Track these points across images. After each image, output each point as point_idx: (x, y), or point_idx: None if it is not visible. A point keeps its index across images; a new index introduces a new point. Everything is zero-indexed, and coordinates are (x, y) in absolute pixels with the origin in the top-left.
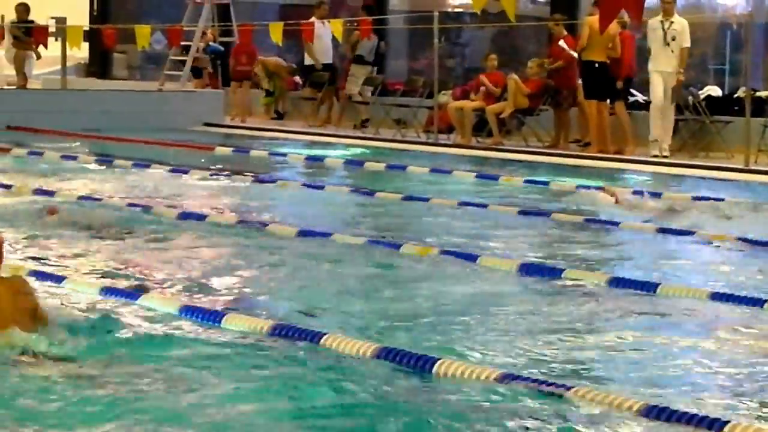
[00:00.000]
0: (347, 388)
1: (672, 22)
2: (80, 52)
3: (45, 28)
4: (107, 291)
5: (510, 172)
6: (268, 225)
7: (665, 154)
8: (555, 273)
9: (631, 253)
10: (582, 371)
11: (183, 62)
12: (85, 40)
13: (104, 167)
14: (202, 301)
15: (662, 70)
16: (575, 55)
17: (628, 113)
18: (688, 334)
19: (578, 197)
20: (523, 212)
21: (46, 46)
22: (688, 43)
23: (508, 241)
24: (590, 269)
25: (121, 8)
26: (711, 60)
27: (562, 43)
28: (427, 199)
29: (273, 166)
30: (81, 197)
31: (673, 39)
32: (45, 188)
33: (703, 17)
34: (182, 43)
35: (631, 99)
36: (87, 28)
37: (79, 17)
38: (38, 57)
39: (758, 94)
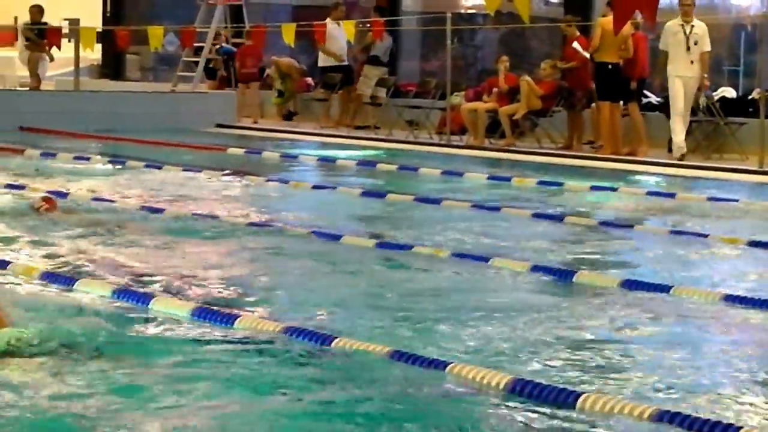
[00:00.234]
0: (359, 391)
1: (693, 26)
2: (93, 53)
3: (58, 29)
4: (119, 293)
5: (523, 173)
6: (279, 226)
7: (682, 153)
8: (567, 275)
9: (644, 255)
10: (593, 375)
11: (196, 63)
12: (98, 42)
13: (117, 168)
14: (214, 303)
15: (683, 75)
16: (588, 56)
17: (641, 114)
18: (701, 336)
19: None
20: (536, 214)
21: (59, 48)
22: (708, 47)
23: (521, 244)
24: (603, 271)
25: (134, 9)
26: (725, 61)
27: (576, 44)
28: (439, 201)
29: (285, 167)
30: (94, 198)
31: (695, 43)
32: (58, 189)
33: (717, 18)
34: (195, 44)
35: (645, 100)
36: (100, 30)
37: (93, 19)
38: (51, 59)
39: None
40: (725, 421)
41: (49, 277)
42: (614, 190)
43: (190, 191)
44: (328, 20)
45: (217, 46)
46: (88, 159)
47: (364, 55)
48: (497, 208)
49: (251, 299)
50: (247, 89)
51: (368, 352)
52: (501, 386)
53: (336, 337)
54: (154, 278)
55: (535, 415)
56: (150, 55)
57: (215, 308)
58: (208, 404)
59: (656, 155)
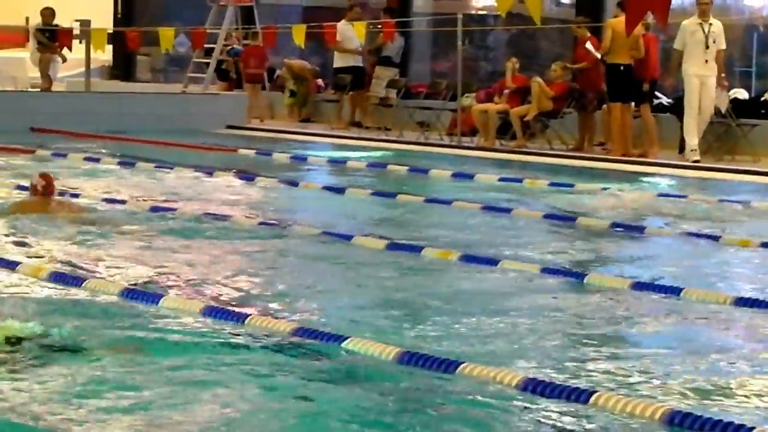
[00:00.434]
0: (369, 391)
1: (711, 24)
2: (104, 54)
3: (69, 30)
4: (129, 293)
5: (534, 175)
6: (290, 227)
7: (696, 157)
8: (578, 276)
9: (655, 257)
10: (605, 376)
11: (206, 65)
12: (109, 43)
13: (127, 169)
14: (224, 303)
15: (701, 74)
16: (599, 57)
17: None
18: (712, 338)
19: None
20: (548, 216)
21: (70, 49)
22: (724, 46)
23: (532, 245)
24: (614, 273)
25: (145, 11)
26: (737, 62)
27: (588, 45)
28: (449, 202)
29: (295, 168)
30: (104, 199)
31: (714, 42)
32: (68, 189)
33: (730, 19)
34: (206, 45)
35: (655, 101)
36: (111, 31)
37: (104, 20)
38: (63, 60)
39: None
40: (737, 422)
41: (57, 277)
42: (625, 191)
43: (200, 192)
44: (343, 21)
45: (229, 48)
46: (98, 160)
47: (375, 57)
48: (508, 210)
49: (261, 299)
50: (251, 90)
51: (378, 353)
52: (513, 385)
53: (346, 338)
54: (164, 278)
55: (547, 414)
56: (161, 56)
57: (225, 308)
58: (217, 403)
59: (667, 157)
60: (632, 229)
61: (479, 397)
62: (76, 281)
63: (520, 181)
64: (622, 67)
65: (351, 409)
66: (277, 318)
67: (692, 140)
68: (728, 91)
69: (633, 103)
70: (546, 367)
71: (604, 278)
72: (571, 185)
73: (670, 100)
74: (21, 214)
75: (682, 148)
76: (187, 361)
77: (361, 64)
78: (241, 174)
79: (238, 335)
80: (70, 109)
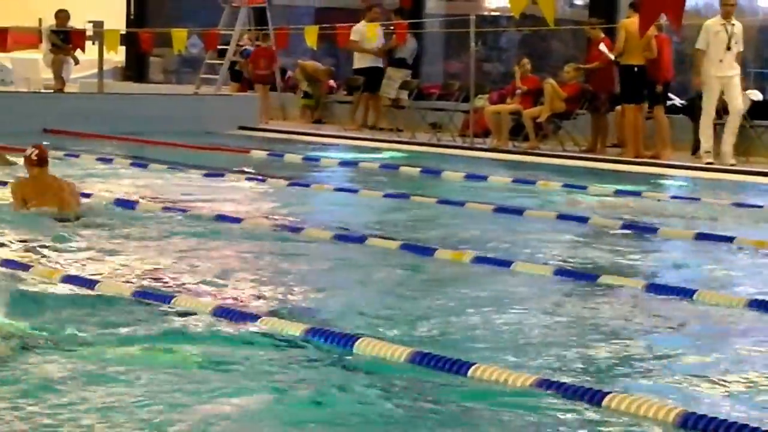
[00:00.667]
0: (380, 392)
1: (733, 25)
2: (117, 55)
3: (82, 32)
4: (140, 294)
5: (546, 176)
6: (302, 228)
7: (709, 160)
8: (591, 279)
9: (669, 259)
10: (618, 378)
11: (219, 66)
12: (121, 44)
13: (140, 170)
14: (236, 303)
15: (722, 75)
16: (613, 58)
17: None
18: (725, 340)
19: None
20: (561, 217)
21: (83, 50)
22: (742, 47)
23: (544, 247)
24: (627, 275)
25: (158, 12)
26: (751, 63)
27: (602, 46)
28: (462, 204)
29: (308, 169)
30: (116, 200)
31: (736, 43)
32: (81, 191)
33: (744, 20)
34: (218, 46)
35: (668, 103)
36: (124, 32)
37: (116, 21)
38: (76, 62)
39: None
40: (752, 425)
41: (70, 279)
42: (638, 193)
43: (212, 193)
44: (362, 22)
45: (242, 49)
46: (111, 161)
47: (387, 58)
48: (520, 211)
49: (273, 300)
50: (261, 91)
51: (390, 354)
52: (526, 386)
53: (358, 338)
54: (175, 279)
55: (560, 415)
56: (173, 57)
57: (237, 308)
58: (228, 403)
59: (680, 158)
60: (645, 231)
61: (491, 399)
62: (89, 283)
63: (533, 182)
64: (635, 68)
65: (363, 409)
66: (288, 319)
67: (707, 142)
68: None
69: (646, 105)
70: (558, 369)
71: (616, 279)
72: (584, 187)
73: (683, 102)
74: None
75: (695, 150)
76: (198, 361)
77: (381, 65)
78: (253, 176)
79: (250, 336)
80: (83, 110)
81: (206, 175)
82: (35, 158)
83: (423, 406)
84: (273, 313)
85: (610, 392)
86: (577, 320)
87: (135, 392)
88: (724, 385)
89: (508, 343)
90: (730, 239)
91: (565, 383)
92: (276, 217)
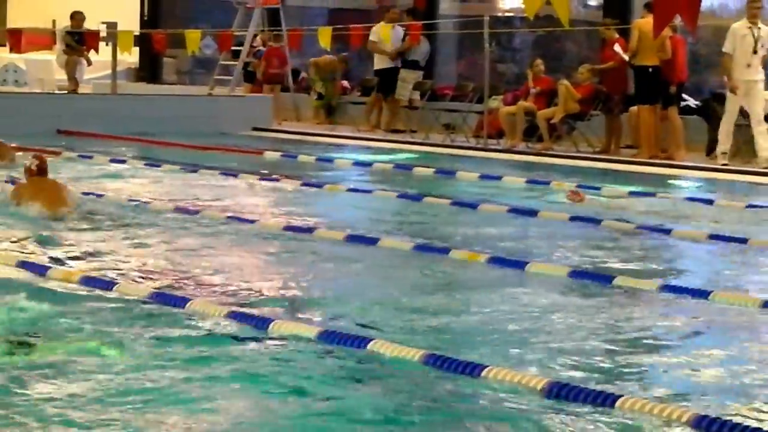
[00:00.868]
0: (394, 393)
1: (759, 28)
2: (131, 56)
3: (96, 33)
4: (155, 296)
5: (560, 177)
6: (315, 229)
7: (725, 161)
8: (605, 280)
9: (683, 259)
10: (632, 380)
11: (233, 67)
12: (135, 45)
13: (153, 171)
14: (249, 305)
15: (747, 79)
16: (627, 58)
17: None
18: (741, 342)
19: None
20: (574, 218)
21: (97, 51)
22: (766, 51)
23: (558, 248)
24: (642, 276)
25: (172, 13)
26: None
27: (617, 47)
28: (476, 205)
29: (321, 170)
30: (129, 200)
31: (762, 46)
32: (94, 191)
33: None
34: (232, 47)
35: (683, 104)
36: (137, 33)
37: (130, 22)
38: (89, 63)
39: None
40: (765, 428)
41: (87, 281)
42: (652, 194)
43: (225, 194)
44: (381, 23)
45: (255, 50)
46: (124, 161)
47: (400, 60)
48: (534, 212)
49: (286, 302)
50: (271, 92)
51: (404, 355)
52: (539, 389)
53: (371, 340)
54: (189, 281)
55: (573, 418)
56: (187, 58)
57: (250, 310)
58: (242, 404)
59: (694, 159)
60: (659, 232)
61: (505, 401)
62: (106, 285)
63: (547, 183)
64: (649, 69)
65: (376, 410)
66: (301, 321)
67: (724, 144)
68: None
69: (660, 106)
70: (572, 370)
71: (631, 280)
72: (598, 188)
73: (697, 103)
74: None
75: (709, 151)
76: (212, 362)
77: (399, 66)
78: (267, 176)
79: (263, 338)
80: (97, 111)
81: (220, 176)
82: (35, 169)
83: (436, 408)
84: (286, 315)
85: (624, 395)
86: (592, 322)
87: (143, 392)
88: (740, 387)
89: (522, 344)
90: (744, 240)
91: (578, 386)
92: (289, 217)
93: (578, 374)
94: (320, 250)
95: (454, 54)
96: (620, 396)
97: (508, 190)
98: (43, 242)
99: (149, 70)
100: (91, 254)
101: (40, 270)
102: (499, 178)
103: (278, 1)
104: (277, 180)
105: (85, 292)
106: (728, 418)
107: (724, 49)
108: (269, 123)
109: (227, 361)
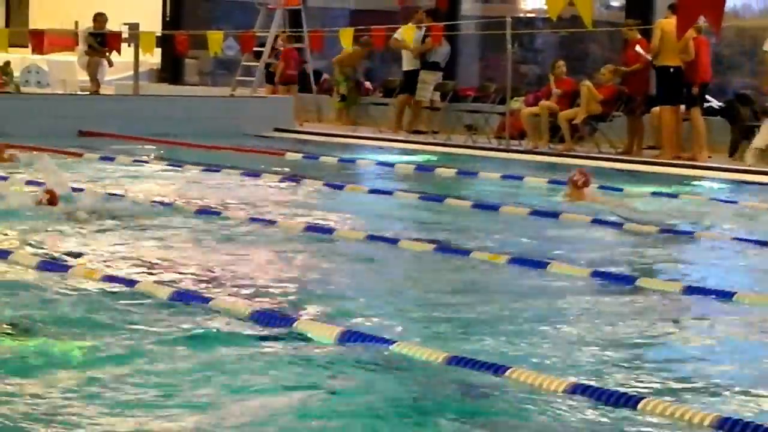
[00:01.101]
0: (417, 395)
1: None
2: (153, 57)
3: (118, 34)
4: (177, 295)
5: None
6: (336, 230)
7: (753, 160)
8: (628, 280)
9: (706, 261)
10: (654, 382)
11: (255, 68)
12: (157, 46)
13: (175, 172)
14: (270, 305)
15: None
16: (650, 59)
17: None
18: (765, 344)
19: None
20: (596, 220)
21: (119, 52)
22: None
23: (580, 249)
24: (664, 277)
25: (194, 14)
26: None
27: (638, 48)
28: (497, 207)
29: (342, 171)
30: (152, 202)
31: None
32: (116, 191)
33: None
34: (254, 48)
35: (705, 105)
36: (159, 34)
37: (152, 23)
38: (110, 65)
39: None
40: None
41: (109, 279)
42: (675, 195)
43: (247, 195)
44: (409, 24)
45: (277, 51)
46: (146, 162)
47: (421, 61)
48: (556, 214)
49: (308, 302)
50: (286, 92)
51: (426, 357)
52: (561, 390)
53: (394, 341)
54: (212, 280)
55: (596, 419)
56: (209, 59)
57: (272, 310)
58: (262, 402)
59: (717, 161)
60: (682, 233)
61: (527, 402)
62: (128, 283)
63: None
64: (671, 69)
65: (399, 411)
66: (323, 321)
67: (758, 141)
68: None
69: (683, 106)
70: (594, 372)
71: (654, 282)
72: (620, 189)
73: (720, 104)
74: None
75: (732, 152)
76: (233, 364)
77: (420, 67)
78: (288, 177)
79: (284, 338)
80: (119, 112)
81: (241, 177)
82: (45, 203)
83: (459, 409)
84: (307, 316)
85: (646, 396)
86: (614, 323)
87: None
88: (765, 388)
89: (544, 345)
90: (766, 243)
91: (600, 387)
92: (310, 218)
93: (600, 375)
94: (342, 251)
95: (477, 55)
96: (643, 397)
97: (530, 191)
98: (65, 241)
99: (171, 71)
100: (113, 254)
101: (62, 269)
102: (520, 178)
103: (300, 2)
104: (298, 181)
105: (106, 291)
106: (752, 420)
107: (764, 48)
108: (291, 124)
109: (250, 360)
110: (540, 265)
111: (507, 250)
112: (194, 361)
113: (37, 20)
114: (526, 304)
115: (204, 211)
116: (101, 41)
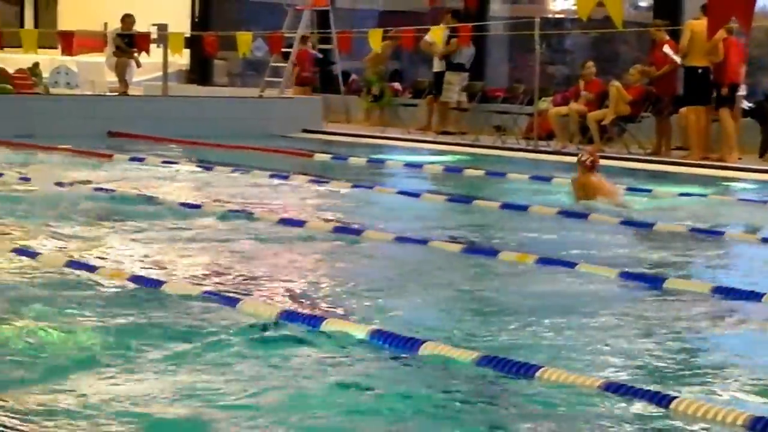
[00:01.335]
0: (446, 394)
1: None
2: (181, 58)
3: (147, 35)
4: (207, 295)
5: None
6: (364, 231)
7: None
8: (657, 281)
9: (735, 262)
10: (685, 381)
11: (283, 69)
12: (186, 47)
13: (204, 173)
14: (300, 306)
15: None
16: (679, 60)
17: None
18: None
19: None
20: (625, 222)
21: (148, 53)
22: None
23: (609, 250)
24: (693, 278)
25: (222, 15)
26: None
27: (666, 48)
28: (525, 207)
29: (371, 172)
30: (181, 203)
31: None
32: (146, 193)
33: None
34: (283, 49)
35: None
36: (188, 35)
37: (181, 24)
38: (138, 65)
39: None
40: None
41: (137, 279)
42: (704, 196)
43: (276, 196)
44: (440, 26)
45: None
46: (175, 163)
47: (446, 63)
48: (585, 215)
49: (337, 302)
50: (302, 93)
51: (456, 356)
52: (593, 389)
53: (424, 341)
54: (239, 281)
55: (627, 419)
56: (238, 60)
57: (301, 310)
58: (294, 401)
59: (747, 161)
60: (711, 234)
61: (558, 401)
62: (156, 284)
63: None
64: (699, 70)
65: (429, 411)
66: (352, 320)
67: None
68: None
69: (711, 107)
70: (625, 372)
71: (683, 283)
72: (649, 190)
73: (750, 104)
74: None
75: (762, 153)
76: (264, 361)
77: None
78: (317, 178)
79: (314, 338)
80: (147, 113)
81: (270, 178)
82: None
83: (490, 409)
84: (337, 316)
85: (678, 396)
86: (644, 323)
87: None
88: None
89: (574, 345)
90: None
91: (632, 386)
92: (339, 220)
93: (631, 375)
94: (371, 252)
95: (505, 56)
96: (675, 397)
97: (558, 192)
98: (94, 242)
99: (200, 72)
100: (142, 254)
101: (89, 268)
102: (549, 179)
103: (328, 3)
104: (327, 182)
105: (134, 291)
106: None
107: None
108: (319, 125)
109: (280, 359)
110: (568, 265)
111: (535, 250)
112: (221, 361)
113: (65, 22)
114: (555, 304)
115: (233, 212)
116: (129, 42)
